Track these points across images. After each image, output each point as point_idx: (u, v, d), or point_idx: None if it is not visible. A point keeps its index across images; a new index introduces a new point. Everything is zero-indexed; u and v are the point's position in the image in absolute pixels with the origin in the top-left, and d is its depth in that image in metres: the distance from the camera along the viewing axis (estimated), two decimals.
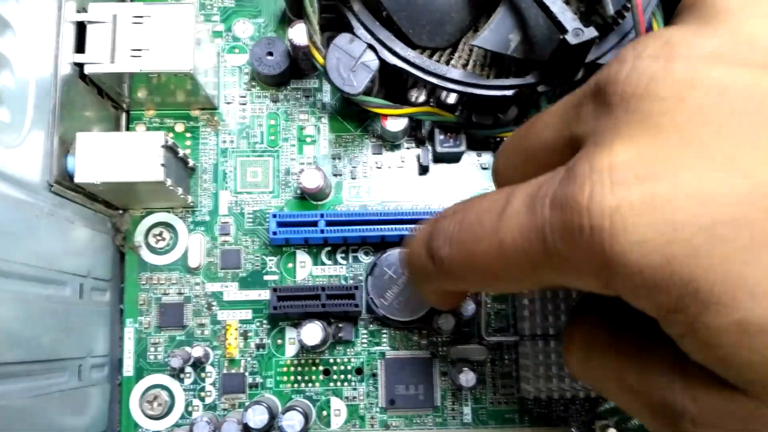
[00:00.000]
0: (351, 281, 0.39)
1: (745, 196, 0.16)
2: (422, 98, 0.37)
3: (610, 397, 0.23)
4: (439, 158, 0.40)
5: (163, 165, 0.33)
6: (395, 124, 0.38)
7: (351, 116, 0.41)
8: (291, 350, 0.39)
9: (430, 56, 0.35)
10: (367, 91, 0.35)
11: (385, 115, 0.37)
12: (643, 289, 0.17)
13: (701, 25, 0.19)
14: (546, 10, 0.30)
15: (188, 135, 0.40)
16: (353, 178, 0.40)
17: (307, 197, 0.39)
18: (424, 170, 0.40)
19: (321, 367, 0.39)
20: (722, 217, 0.16)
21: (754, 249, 0.16)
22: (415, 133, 0.40)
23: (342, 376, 0.38)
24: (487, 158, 0.40)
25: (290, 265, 0.39)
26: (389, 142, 0.40)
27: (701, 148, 0.17)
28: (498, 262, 0.21)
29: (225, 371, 0.38)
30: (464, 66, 0.35)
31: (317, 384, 0.38)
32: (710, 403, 0.18)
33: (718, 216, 0.16)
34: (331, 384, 0.38)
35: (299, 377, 0.38)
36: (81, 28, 0.35)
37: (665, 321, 0.18)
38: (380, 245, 0.39)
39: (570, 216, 0.18)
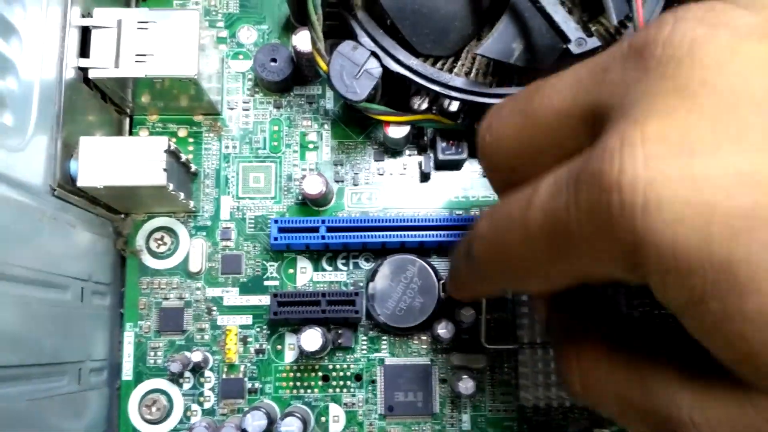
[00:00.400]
0: (351, 288, 0.39)
1: None
2: (425, 106, 0.37)
3: (611, 415, 0.22)
4: (440, 165, 0.40)
5: (165, 170, 0.34)
6: (397, 131, 0.38)
7: (353, 123, 0.41)
8: (290, 356, 0.39)
9: (433, 64, 0.35)
10: (370, 98, 0.35)
11: (388, 122, 0.37)
12: (675, 273, 0.16)
13: (742, 4, 0.18)
14: (549, 19, 0.31)
15: (191, 140, 0.40)
16: (355, 185, 0.40)
17: (308, 203, 0.39)
18: (425, 177, 0.40)
19: (320, 373, 0.39)
20: (765, 199, 0.15)
21: None
22: (417, 140, 0.40)
23: (341, 383, 0.38)
24: None
25: (291, 270, 0.39)
26: (391, 149, 0.40)
27: (743, 123, 0.16)
28: (524, 251, 0.20)
29: (224, 376, 0.38)
30: (467, 74, 0.35)
31: (316, 390, 0.38)
32: (721, 411, 0.18)
33: (760, 198, 0.15)
34: (330, 390, 0.38)
35: (298, 383, 0.38)
36: (86, 32, 0.35)
37: (694, 310, 0.17)
38: (381, 252, 0.39)
39: (598, 193, 0.16)
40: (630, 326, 0.23)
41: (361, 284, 0.39)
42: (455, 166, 0.40)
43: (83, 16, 0.35)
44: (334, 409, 0.38)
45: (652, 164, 0.16)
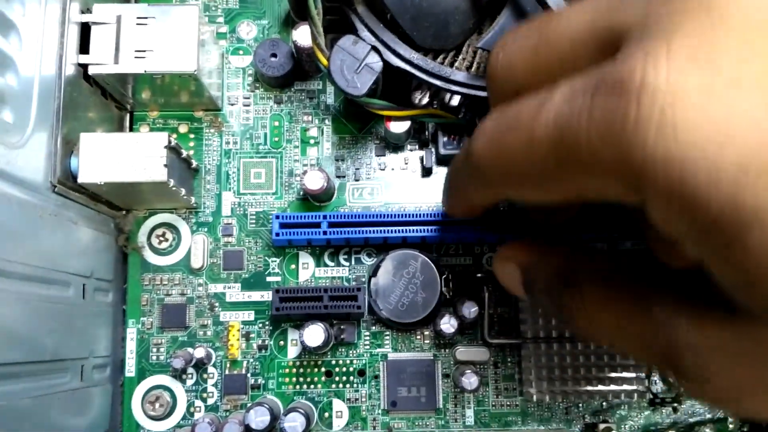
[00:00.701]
0: (353, 283, 0.39)
1: None
2: (426, 100, 0.37)
3: (611, 344, 0.22)
4: (442, 160, 0.40)
5: (166, 166, 0.33)
6: (399, 126, 0.38)
7: (354, 118, 0.41)
8: (293, 351, 0.39)
9: (434, 58, 0.35)
10: (371, 93, 0.35)
11: (389, 117, 0.37)
12: (679, 199, 0.15)
13: None
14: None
15: (192, 136, 0.40)
16: (356, 180, 0.40)
17: (310, 199, 0.39)
18: (427, 172, 0.40)
19: (323, 369, 0.39)
20: None
21: None
22: (419, 135, 0.40)
23: (344, 378, 0.38)
24: None
25: (293, 266, 0.39)
26: (392, 144, 0.40)
27: None
28: (527, 155, 0.19)
29: (227, 372, 0.38)
30: (468, 68, 0.34)
31: (319, 385, 0.38)
32: (717, 334, 0.18)
33: None
34: (333, 385, 0.38)
35: (301, 379, 0.38)
36: (85, 29, 0.35)
37: (695, 239, 0.16)
38: (383, 247, 0.39)
39: (616, 101, 0.16)
40: (625, 260, 0.23)
41: (364, 279, 0.39)
42: None
43: (82, 12, 0.35)
44: (338, 405, 0.38)
45: (674, 78, 0.15)
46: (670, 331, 0.19)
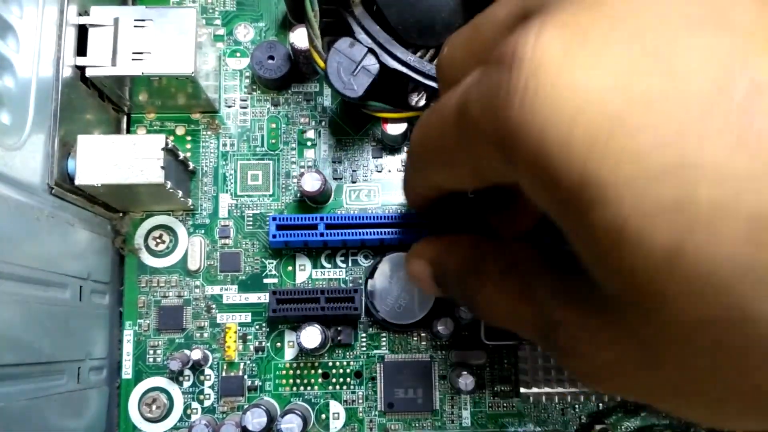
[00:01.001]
0: (350, 285, 0.39)
1: (657, 96, 0.14)
2: (423, 102, 0.37)
3: (505, 324, 0.23)
4: None
5: (163, 168, 0.34)
6: (395, 128, 0.38)
7: (351, 120, 0.41)
8: (290, 353, 0.39)
9: (431, 60, 0.35)
10: (368, 95, 0.35)
11: (386, 119, 0.37)
12: (539, 170, 0.16)
13: None
14: None
15: (189, 138, 0.40)
16: (353, 182, 0.40)
17: (307, 201, 0.39)
18: None
19: (320, 371, 0.39)
20: (630, 109, 0.14)
21: (645, 152, 0.14)
22: None
23: (341, 380, 0.38)
24: None
25: (290, 268, 0.39)
26: (389, 146, 0.40)
27: (639, 30, 0.15)
28: (438, 133, 0.20)
29: (224, 374, 0.38)
30: None
31: (316, 387, 0.38)
32: (584, 314, 0.18)
33: (625, 107, 0.14)
34: (330, 387, 0.38)
35: (298, 380, 0.38)
36: (83, 31, 0.35)
37: (555, 213, 0.16)
38: (380, 249, 0.39)
39: (496, 74, 0.16)
40: (527, 248, 0.23)
41: (360, 281, 0.39)
42: None
43: (80, 15, 0.35)
44: (335, 407, 0.38)
45: (540, 50, 0.15)
46: (548, 312, 0.19)
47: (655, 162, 0.14)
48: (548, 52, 0.15)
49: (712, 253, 0.13)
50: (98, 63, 0.34)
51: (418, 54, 0.35)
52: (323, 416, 0.38)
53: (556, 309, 0.19)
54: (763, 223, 0.13)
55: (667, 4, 0.15)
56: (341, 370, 0.39)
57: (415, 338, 0.39)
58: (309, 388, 0.38)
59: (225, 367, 0.38)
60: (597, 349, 0.18)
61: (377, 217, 0.37)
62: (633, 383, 0.18)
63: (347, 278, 0.39)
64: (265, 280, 0.39)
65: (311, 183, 0.37)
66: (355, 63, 0.34)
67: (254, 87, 0.41)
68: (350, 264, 0.39)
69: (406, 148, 0.40)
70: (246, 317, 0.39)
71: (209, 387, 0.38)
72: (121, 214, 0.39)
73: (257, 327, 0.39)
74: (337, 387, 0.38)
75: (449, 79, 0.24)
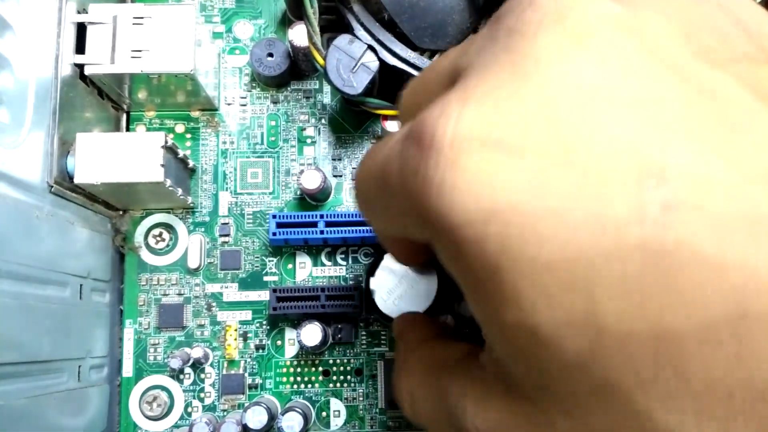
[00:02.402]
0: (351, 282, 0.39)
1: (569, 208, 0.14)
2: None
3: (410, 413, 0.22)
4: None
5: (162, 166, 0.33)
6: (395, 125, 0.38)
7: (351, 117, 0.41)
8: (290, 351, 0.39)
9: (431, 57, 0.35)
10: (368, 92, 0.35)
11: (385, 116, 0.37)
12: (451, 255, 0.16)
13: None
14: None
15: (188, 136, 0.40)
16: (353, 179, 0.40)
17: (307, 198, 0.39)
18: None
19: (320, 368, 0.39)
20: (543, 221, 0.14)
21: (554, 264, 0.14)
22: None
23: (341, 377, 0.38)
24: None
25: (290, 266, 0.39)
26: None
27: (556, 123, 0.14)
28: (366, 189, 0.21)
29: (224, 372, 0.38)
30: None
31: (317, 385, 0.38)
32: (497, 416, 0.17)
33: (539, 217, 0.14)
34: (331, 385, 0.38)
35: (299, 378, 0.38)
36: (81, 29, 0.35)
37: (468, 294, 0.16)
38: (380, 246, 0.39)
39: (413, 151, 0.16)
40: (447, 338, 0.23)
41: (361, 279, 0.39)
42: None
43: (79, 12, 0.35)
44: (335, 404, 0.38)
45: (458, 144, 0.15)
46: (461, 417, 0.19)
47: (564, 275, 0.14)
48: (466, 147, 0.15)
49: (618, 365, 0.14)
50: (97, 61, 0.34)
51: (418, 51, 0.35)
52: (324, 414, 0.38)
53: (469, 415, 0.18)
54: (667, 341, 0.13)
55: (598, 82, 0.15)
56: (342, 368, 0.38)
57: None
58: (309, 385, 0.38)
59: (225, 365, 0.38)
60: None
61: None
62: None
63: (347, 275, 0.39)
64: (266, 278, 0.39)
65: (311, 180, 0.37)
66: (354, 60, 0.34)
67: (254, 84, 0.41)
68: (350, 261, 0.39)
69: None
70: (246, 315, 0.39)
71: (210, 385, 0.38)
72: (121, 212, 0.39)
73: (258, 325, 0.39)
74: (338, 385, 0.38)
75: (403, 120, 0.24)
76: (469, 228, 0.15)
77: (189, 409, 0.38)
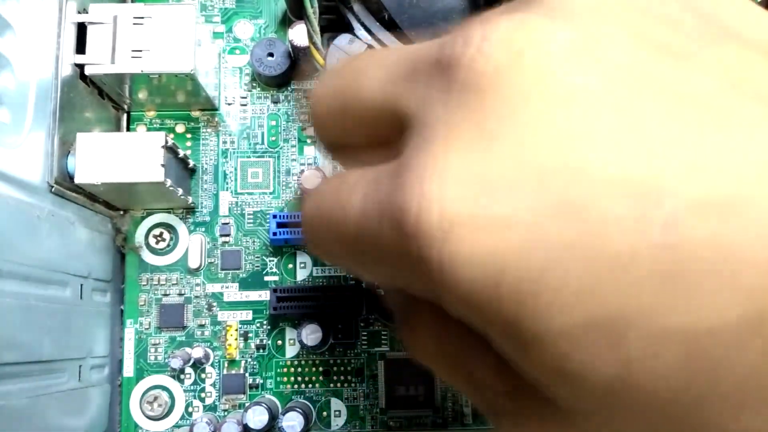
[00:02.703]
0: (351, 282, 0.39)
1: (574, 250, 0.14)
2: None
3: (441, 377, 0.22)
4: None
5: (163, 166, 0.33)
6: None
7: None
8: (291, 351, 0.39)
9: None
10: None
11: None
12: (466, 312, 0.16)
13: (558, 13, 0.16)
14: None
15: (189, 136, 0.40)
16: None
17: None
18: None
19: (321, 368, 0.39)
20: (551, 267, 0.14)
21: (570, 305, 0.14)
22: None
23: (342, 377, 0.38)
24: None
25: (290, 265, 0.39)
26: None
27: (534, 174, 0.14)
28: (339, 252, 0.20)
29: (225, 372, 0.38)
30: None
31: (317, 385, 0.38)
32: (528, 413, 0.18)
33: (546, 264, 0.14)
34: (331, 385, 0.38)
35: (299, 378, 0.38)
36: (82, 29, 0.35)
37: (490, 339, 0.16)
38: None
39: (399, 234, 0.15)
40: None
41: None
42: None
43: (79, 12, 0.35)
44: (336, 404, 0.38)
45: (449, 218, 0.14)
46: (493, 393, 0.18)
47: (582, 314, 0.14)
48: (456, 222, 0.14)
49: (651, 380, 0.14)
50: (97, 61, 0.34)
51: None
52: (325, 414, 0.38)
53: (504, 400, 0.18)
54: (697, 347, 0.13)
55: (569, 123, 0.14)
56: (342, 368, 0.38)
57: None
58: (310, 385, 0.38)
59: (226, 365, 0.38)
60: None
61: None
62: None
63: (348, 275, 0.39)
64: (266, 278, 0.39)
65: (312, 180, 0.37)
66: None
67: (254, 84, 0.41)
68: None
69: None
70: (247, 315, 0.39)
71: (210, 385, 0.38)
72: (121, 212, 0.39)
73: (258, 325, 0.39)
74: (339, 385, 0.38)
75: (326, 140, 0.22)
76: (481, 290, 0.15)
77: (190, 409, 0.38)
